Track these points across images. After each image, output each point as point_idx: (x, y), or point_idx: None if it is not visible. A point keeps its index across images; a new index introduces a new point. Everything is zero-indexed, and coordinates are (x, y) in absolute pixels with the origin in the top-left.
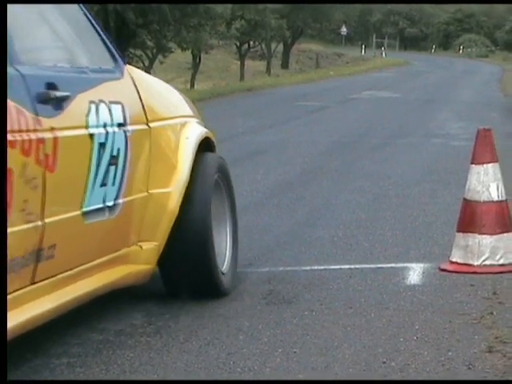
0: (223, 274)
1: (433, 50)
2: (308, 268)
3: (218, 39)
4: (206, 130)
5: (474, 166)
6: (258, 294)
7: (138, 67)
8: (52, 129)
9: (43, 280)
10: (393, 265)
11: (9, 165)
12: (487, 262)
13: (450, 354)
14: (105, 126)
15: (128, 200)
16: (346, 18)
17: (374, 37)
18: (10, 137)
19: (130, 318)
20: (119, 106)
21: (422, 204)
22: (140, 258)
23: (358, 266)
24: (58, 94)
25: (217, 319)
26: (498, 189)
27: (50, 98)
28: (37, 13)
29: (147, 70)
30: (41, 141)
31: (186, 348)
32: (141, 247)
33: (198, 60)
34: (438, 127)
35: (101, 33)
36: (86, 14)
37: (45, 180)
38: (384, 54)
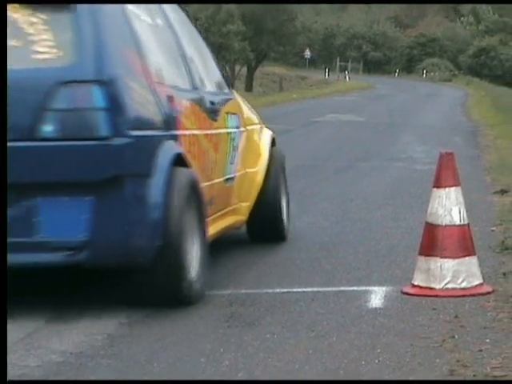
0: (285, 222)
1: (396, 74)
2: (270, 291)
3: None
4: (271, 132)
5: (436, 189)
6: (220, 317)
7: None
8: (217, 127)
9: (211, 215)
10: (355, 288)
11: (203, 147)
12: (449, 286)
13: (411, 377)
14: (233, 127)
15: (238, 174)
16: (309, 41)
17: (338, 60)
18: (202, 132)
19: (91, 340)
20: (237, 116)
21: (385, 227)
22: (241, 212)
23: (320, 289)
24: (216, 108)
25: (179, 342)
26: (459, 212)
27: (214, 110)
28: (199, 53)
29: None
30: (214, 134)
31: (147, 370)
32: (241, 205)
33: None
34: (402, 151)
35: (220, 68)
36: (216, 59)
37: (215, 158)
38: (348, 78)
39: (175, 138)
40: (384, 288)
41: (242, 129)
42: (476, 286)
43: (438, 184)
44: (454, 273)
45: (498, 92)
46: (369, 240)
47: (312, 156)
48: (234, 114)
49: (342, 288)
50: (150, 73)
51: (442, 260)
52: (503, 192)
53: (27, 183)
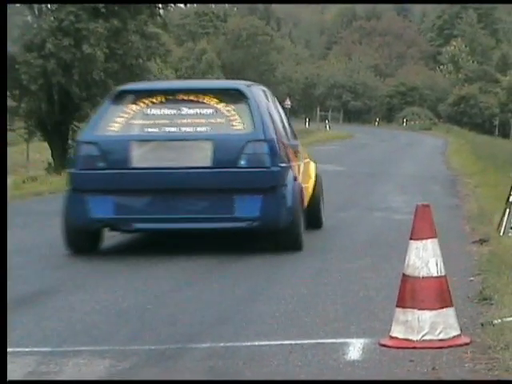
0: (322, 216)
1: (376, 123)
2: (249, 344)
3: None
4: (315, 163)
5: (413, 241)
6: (198, 370)
7: None
8: (297, 161)
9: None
10: (333, 340)
11: (297, 171)
12: (427, 337)
13: None
14: (301, 161)
15: (303, 186)
16: (290, 91)
17: (318, 109)
18: (295, 163)
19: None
20: (301, 154)
21: (364, 278)
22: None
23: (298, 342)
24: (296, 150)
25: None
26: (437, 264)
27: (296, 152)
28: (285, 120)
29: None
30: (298, 165)
31: None
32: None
33: None
34: (381, 200)
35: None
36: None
37: (299, 172)
38: (328, 127)
39: (292, 167)
40: (362, 340)
41: (303, 162)
42: (454, 337)
43: (415, 236)
44: (432, 324)
45: (477, 140)
46: (347, 291)
47: None
48: (300, 153)
49: (320, 340)
50: (279, 134)
51: (419, 312)
52: (482, 241)
53: (230, 188)
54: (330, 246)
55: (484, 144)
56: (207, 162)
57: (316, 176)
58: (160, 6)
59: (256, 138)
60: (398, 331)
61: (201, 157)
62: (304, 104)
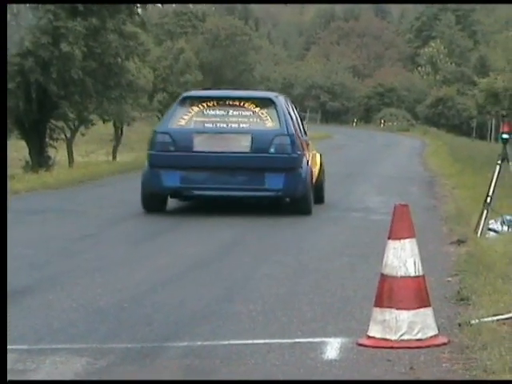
0: (323, 194)
1: (354, 124)
2: (226, 342)
3: (140, 111)
4: (320, 153)
5: (391, 241)
6: (175, 369)
7: (60, 138)
8: (308, 151)
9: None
10: (310, 339)
11: (310, 158)
12: (405, 337)
13: None
14: (311, 152)
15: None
16: (268, 91)
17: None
18: (308, 152)
19: None
20: (310, 146)
21: (341, 278)
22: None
23: (275, 341)
24: (308, 143)
25: None
26: (415, 264)
27: (307, 144)
28: (296, 116)
29: (69, 141)
30: (309, 154)
31: None
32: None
33: (120, 132)
34: (359, 201)
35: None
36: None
37: (309, 159)
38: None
39: (305, 154)
40: (339, 339)
41: (312, 152)
42: (431, 337)
43: (393, 236)
44: (410, 324)
45: (455, 142)
46: (324, 291)
47: (268, 207)
48: (309, 145)
49: (298, 340)
50: (297, 130)
51: (397, 311)
52: (460, 242)
53: (262, 167)
54: (308, 245)
55: (461, 146)
56: (247, 149)
57: (321, 164)
58: (138, 5)
59: (281, 133)
60: (375, 331)
61: (243, 145)
62: None
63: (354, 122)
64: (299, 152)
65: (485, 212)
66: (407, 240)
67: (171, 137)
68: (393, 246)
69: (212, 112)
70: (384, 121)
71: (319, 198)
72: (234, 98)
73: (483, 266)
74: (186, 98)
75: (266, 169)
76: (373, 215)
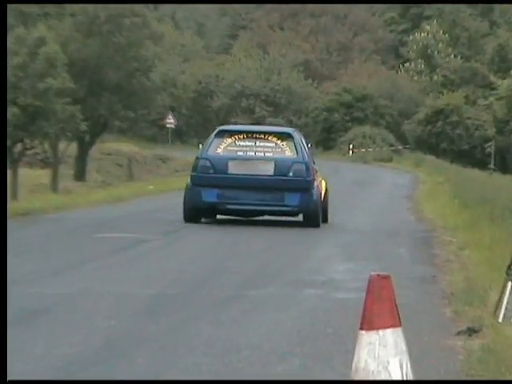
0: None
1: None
2: None
3: None
4: (325, 180)
5: (364, 332)
6: None
7: None
8: (318, 176)
9: None
10: None
11: (319, 182)
12: None
13: None
14: (320, 179)
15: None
16: (174, 102)
17: None
18: (317, 178)
19: None
20: (320, 175)
21: None
22: None
23: None
24: (316, 170)
25: None
26: (401, 367)
27: (316, 171)
28: (303, 144)
29: None
30: (318, 180)
31: None
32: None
33: None
34: (316, 270)
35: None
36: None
37: (320, 187)
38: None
39: (316, 179)
40: None
41: (319, 178)
42: None
43: (368, 324)
44: None
45: (463, 177)
46: None
47: (178, 281)
48: (317, 172)
49: None
50: (310, 159)
51: None
52: (471, 332)
53: (283, 188)
54: (239, 340)
55: (473, 183)
56: (271, 173)
57: (326, 189)
58: None
59: (298, 160)
60: None
61: (267, 169)
62: (196, 122)
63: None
64: (312, 176)
65: (509, 285)
66: (389, 330)
67: (210, 162)
68: (368, 339)
69: (242, 143)
70: (353, 146)
71: (324, 218)
72: (260, 132)
73: (506, 367)
74: (221, 131)
75: (285, 189)
76: (337, 292)
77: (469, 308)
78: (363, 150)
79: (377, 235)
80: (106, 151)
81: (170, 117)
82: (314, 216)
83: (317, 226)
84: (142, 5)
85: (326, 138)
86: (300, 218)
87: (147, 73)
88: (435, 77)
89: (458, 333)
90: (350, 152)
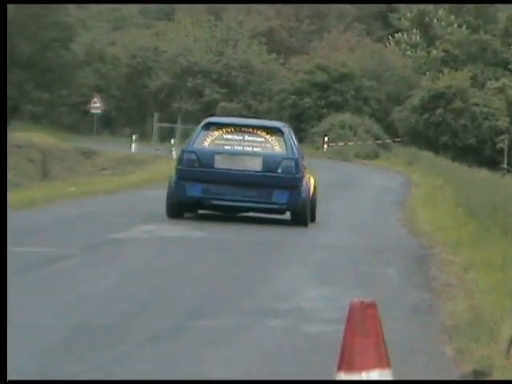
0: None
1: None
2: None
3: None
4: (313, 176)
5: (343, 374)
6: None
7: None
8: (306, 172)
9: None
10: None
11: (309, 180)
12: None
13: None
14: (309, 175)
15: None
16: (101, 80)
17: (156, 118)
18: (306, 174)
19: None
20: (308, 172)
21: None
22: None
23: None
24: (305, 166)
25: None
26: None
27: (305, 167)
28: (293, 139)
29: None
30: (307, 177)
31: None
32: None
33: None
34: (281, 295)
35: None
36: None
37: (308, 184)
38: (174, 153)
39: (305, 176)
40: None
41: (307, 176)
42: None
43: (348, 364)
44: None
45: (468, 179)
46: None
47: (106, 308)
48: (306, 168)
49: None
50: (299, 155)
51: None
52: (478, 375)
53: (271, 184)
54: None
55: (480, 186)
56: (259, 169)
57: (314, 186)
58: None
59: (288, 157)
60: None
61: (255, 165)
62: (129, 107)
63: None
64: (301, 173)
65: None
66: (375, 372)
67: (196, 155)
68: None
69: (230, 136)
70: (329, 139)
71: (312, 216)
72: (248, 126)
73: None
74: (208, 124)
75: (273, 186)
76: (307, 324)
77: (475, 345)
78: (342, 143)
79: (359, 252)
80: (15, 143)
81: (96, 100)
82: (302, 214)
83: (305, 224)
84: None
85: (294, 129)
86: (287, 216)
87: (67, 43)
88: (434, 51)
89: (462, 376)
90: (325, 146)
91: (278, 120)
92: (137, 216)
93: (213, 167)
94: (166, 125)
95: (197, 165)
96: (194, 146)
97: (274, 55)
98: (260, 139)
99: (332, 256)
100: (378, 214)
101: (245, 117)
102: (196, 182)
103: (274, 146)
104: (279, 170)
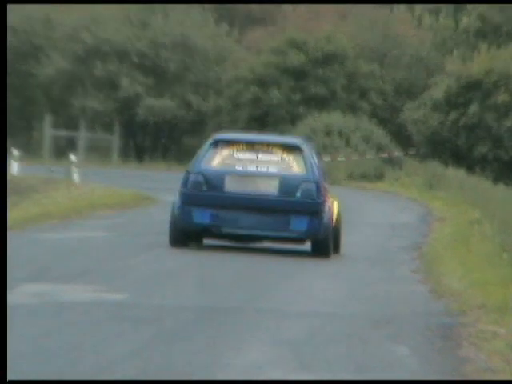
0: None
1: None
2: None
3: None
4: (336, 200)
5: None
6: None
7: None
8: (329, 196)
9: None
10: None
11: (332, 205)
12: None
13: None
14: (332, 199)
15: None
16: None
17: (48, 123)
18: (328, 199)
19: None
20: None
21: None
22: None
23: None
24: (327, 189)
25: None
26: None
27: (328, 190)
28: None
29: None
30: (330, 201)
31: None
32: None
33: None
34: None
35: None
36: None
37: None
38: (75, 177)
39: (327, 200)
40: None
41: (330, 200)
42: None
43: None
44: None
45: None
46: None
47: None
48: (328, 191)
49: None
50: (321, 177)
51: None
52: None
53: (289, 210)
54: None
55: None
56: (275, 192)
57: (338, 212)
58: None
59: (308, 179)
60: None
61: (270, 188)
62: (9, 105)
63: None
64: (323, 198)
65: None
66: None
67: (204, 177)
68: None
69: (242, 155)
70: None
71: (335, 247)
72: (263, 143)
73: None
74: (217, 141)
75: (291, 211)
76: None
77: None
78: (328, 158)
79: (356, 322)
80: None
81: None
82: (325, 244)
83: (326, 255)
84: None
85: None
86: (307, 246)
87: None
88: (465, 19)
89: None
90: None
91: (231, 123)
92: (22, 270)
93: (223, 190)
94: (63, 133)
95: (204, 188)
96: (201, 166)
97: (224, 27)
98: (276, 158)
99: (314, 328)
100: (383, 265)
101: (258, 132)
102: (204, 208)
103: (292, 165)
104: (298, 194)
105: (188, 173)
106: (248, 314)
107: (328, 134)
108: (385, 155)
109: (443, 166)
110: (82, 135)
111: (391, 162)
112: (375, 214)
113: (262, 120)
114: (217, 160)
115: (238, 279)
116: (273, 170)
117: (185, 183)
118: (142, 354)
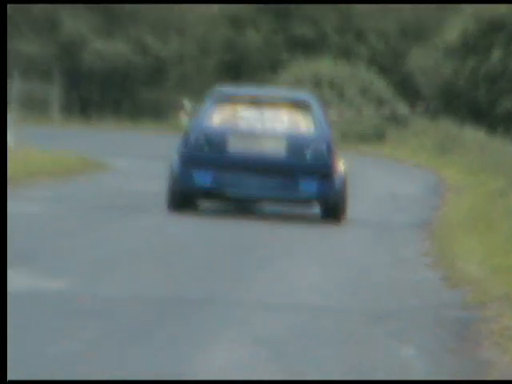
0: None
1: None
2: None
3: None
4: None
5: None
6: None
7: None
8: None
9: None
10: None
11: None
12: None
13: None
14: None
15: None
16: None
17: None
18: (338, 159)
19: None
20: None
21: None
22: None
23: None
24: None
25: None
26: None
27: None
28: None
29: None
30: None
31: None
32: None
33: None
34: None
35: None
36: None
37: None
38: (9, 137)
39: (338, 161)
40: None
41: (339, 161)
42: None
43: None
44: None
45: None
46: None
47: None
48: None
49: None
50: (331, 136)
51: None
52: None
53: (297, 172)
54: None
55: None
56: (282, 153)
57: (345, 171)
58: None
59: (318, 138)
60: None
61: (277, 148)
62: None
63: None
64: (334, 159)
65: None
66: None
67: (205, 136)
68: None
69: (246, 112)
70: None
71: (342, 211)
72: (269, 98)
73: None
74: (218, 95)
75: (300, 173)
76: None
77: None
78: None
79: (352, 317)
80: None
81: None
82: (336, 208)
83: (338, 220)
84: None
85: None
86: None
87: None
88: None
89: None
90: None
91: (198, 76)
92: None
93: (226, 151)
94: None
95: (206, 148)
96: (203, 124)
97: None
98: (283, 115)
99: (303, 324)
100: (384, 247)
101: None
102: (206, 169)
103: (300, 123)
104: (307, 155)
105: (188, 132)
106: (219, 306)
107: (317, 84)
108: (386, 111)
109: (458, 125)
110: (16, 86)
111: (394, 119)
112: (376, 184)
113: (235, 68)
114: (219, 118)
115: (211, 262)
116: (280, 128)
117: (185, 143)
118: (88, 356)
